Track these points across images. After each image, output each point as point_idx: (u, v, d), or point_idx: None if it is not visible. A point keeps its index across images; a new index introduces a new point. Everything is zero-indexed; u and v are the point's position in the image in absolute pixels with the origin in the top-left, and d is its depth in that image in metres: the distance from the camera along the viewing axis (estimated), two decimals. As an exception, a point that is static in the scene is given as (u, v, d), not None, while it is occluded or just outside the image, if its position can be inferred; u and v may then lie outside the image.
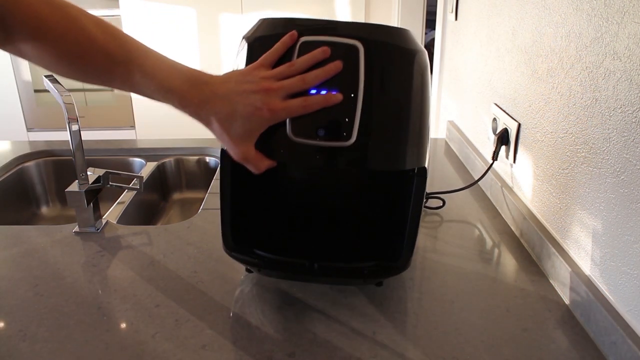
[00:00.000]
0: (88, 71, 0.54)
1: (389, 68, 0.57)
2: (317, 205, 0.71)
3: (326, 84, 0.55)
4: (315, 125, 0.55)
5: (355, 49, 0.55)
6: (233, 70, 0.58)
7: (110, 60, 0.53)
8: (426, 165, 0.60)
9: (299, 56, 0.56)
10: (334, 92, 0.55)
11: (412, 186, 0.60)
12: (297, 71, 0.55)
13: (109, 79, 0.55)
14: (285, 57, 0.57)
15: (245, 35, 0.61)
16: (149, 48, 0.56)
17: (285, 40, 0.57)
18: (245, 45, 0.60)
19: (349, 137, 0.55)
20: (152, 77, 0.55)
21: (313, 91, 0.55)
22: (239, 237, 0.67)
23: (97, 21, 0.53)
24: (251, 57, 0.58)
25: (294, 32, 0.57)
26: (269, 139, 0.57)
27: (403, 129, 0.57)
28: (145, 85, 0.55)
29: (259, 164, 0.58)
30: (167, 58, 0.57)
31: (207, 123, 0.56)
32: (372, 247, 0.68)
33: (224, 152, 0.61)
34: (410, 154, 0.58)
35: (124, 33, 0.55)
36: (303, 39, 0.56)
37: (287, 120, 0.56)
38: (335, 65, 0.55)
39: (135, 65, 0.54)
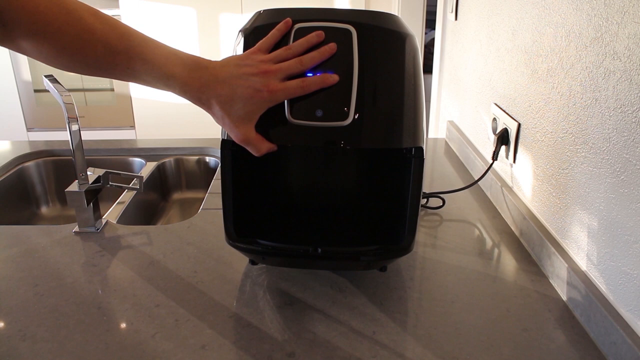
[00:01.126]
0: (89, 63, 0.54)
1: (382, 49, 0.59)
2: (317, 192, 0.71)
3: (322, 67, 0.57)
4: (313, 106, 0.57)
5: (348, 33, 0.58)
6: (231, 55, 0.60)
7: (110, 51, 0.54)
8: (423, 145, 0.61)
9: (294, 41, 0.58)
10: (330, 73, 0.57)
11: (411, 168, 0.61)
12: (293, 54, 0.57)
13: (110, 69, 0.56)
14: (281, 43, 0.59)
15: (243, 27, 0.63)
16: (147, 36, 0.57)
17: (281, 26, 0.59)
18: (242, 36, 0.62)
19: (345, 116, 0.57)
20: (153, 65, 0.55)
21: (310, 74, 0.57)
22: (242, 228, 0.67)
23: (95, 12, 0.54)
24: (249, 46, 0.60)
25: (289, 19, 0.59)
26: (269, 123, 0.58)
27: (398, 107, 0.59)
28: (147, 72, 0.56)
29: (259, 145, 0.59)
30: (165, 45, 0.58)
31: (208, 107, 0.58)
32: (374, 232, 0.69)
33: (224, 143, 0.62)
34: (406, 132, 0.60)
35: (122, 23, 0.56)
36: (298, 25, 0.59)
37: (286, 103, 0.57)
38: (330, 48, 0.57)
39: (135, 54, 0.55)
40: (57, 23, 0.51)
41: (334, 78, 0.57)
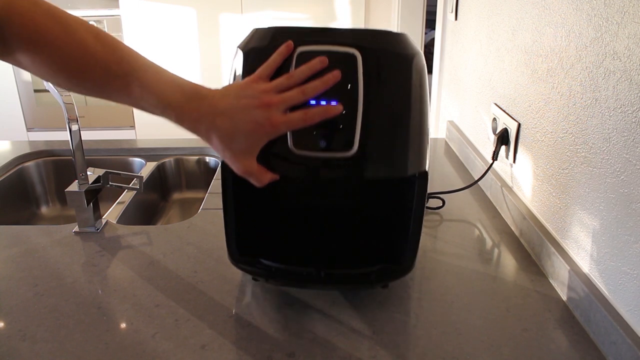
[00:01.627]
0: (86, 84, 0.54)
1: (388, 75, 0.56)
2: (320, 212, 0.70)
3: (326, 95, 0.55)
4: (317, 137, 0.55)
5: (352, 57, 0.55)
6: (231, 84, 0.57)
7: (108, 74, 0.53)
8: (427, 168, 0.60)
9: (296, 66, 0.55)
10: (333, 103, 0.55)
11: (414, 189, 0.61)
12: (295, 82, 0.55)
13: (107, 92, 0.54)
14: (282, 68, 0.56)
15: (240, 45, 0.61)
16: (148, 61, 0.56)
17: (282, 51, 0.56)
18: (240, 56, 0.59)
19: (350, 147, 0.55)
20: (150, 91, 0.54)
21: (312, 102, 0.55)
22: (244, 247, 0.66)
23: (97, 33, 0.53)
24: (247, 69, 0.58)
25: (290, 43, 0.56)
26: (271, 153, 0.57)
27: (404, 135, 0.57)
28: (144, 99, 0.54)
29: (261, 177, 0.57)
30: (166, 72, 0.56)
31: (207, 139, 0.56)
32: (376, 251, 0.68)
33: (225, 164, 0.60)
34: (411, 159, 0.58)
35: (123, 45, 0.55)
36: (300, 49, 0.56)
37: (288, 133, 0.55)
38: (334, 75, 0.54)
39: (134, 79, 0.53)
40: (56, 42, 0.50)
41: (337, 109, 0.54)
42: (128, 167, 1.28)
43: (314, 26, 0.58)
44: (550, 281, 0.74)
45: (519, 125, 0.91)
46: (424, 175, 0.60)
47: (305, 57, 0.55)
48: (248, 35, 0.61)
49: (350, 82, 0.55)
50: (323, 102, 0.55)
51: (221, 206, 0.65)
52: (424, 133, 0.60)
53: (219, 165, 0.63)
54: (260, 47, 0.58)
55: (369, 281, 0.66)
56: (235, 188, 0.63)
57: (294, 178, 0.61)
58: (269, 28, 0.59)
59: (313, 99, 0.55)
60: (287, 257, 0.66)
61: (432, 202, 0.98)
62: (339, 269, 0.65)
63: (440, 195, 0.99)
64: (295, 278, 0.65)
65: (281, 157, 0.57)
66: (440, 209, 0.96)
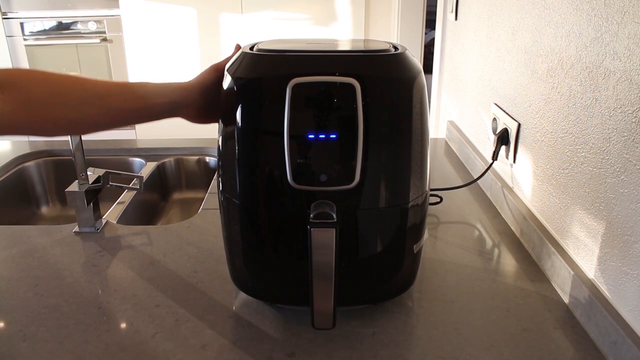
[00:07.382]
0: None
1: (388, 103, 0.55)
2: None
3: (325, 127, 0.53)
4: (317, 171, 0.54)
5: (350, 88, 0.52)
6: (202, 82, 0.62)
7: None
8: (427, 188, 0.60)
9: (291, 98, 0.53)
10: (332, 136, 0.53)
11: (415, 211, 0.60)
12: None
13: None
14: (276, 98, 0.53)
15: (229, 68, 0.59)
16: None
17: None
18: (231, 83, 0.57)
19: (351, 180, 0.54)
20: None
21: (311, 136, 0.53)
22: (247, 274, 0.65)
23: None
24: (239, 99, 0.56)
25: (238, 45, 0.65)
26: (271, 187, 0.56)
27: (406, 163, 0.57)
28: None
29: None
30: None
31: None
32: (378, 274, 0.65)
33: (226, 201, 0.60)
34: (413, 186, 0.58)
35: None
36: (294, 80, 0.52)
37: (288, 168, 0.54)
38: None
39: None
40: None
41: None
42: (128, 167, 1.28)
43: (308, 49, 0.56)
44: (551, 281, 0.74)
45: (519, 125, 0.91)
46: (424, 195, 0.60)
47: (300, 89, 0.53)
48: (238, 59, 0.59)
49: (349, 114, 0.53)
50: (322, 136, 0.53)
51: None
52: (425, 155, 0.59)
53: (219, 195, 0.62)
54: (250, 78, 0.56)
55: (371, 301, 0.66)
56: (239, 221, 0.62)
57: (294, 211, 0.59)
58: (258, 55, 0.57)
59: (312, 133, 0.53)
60: (290, 287, 0.64)
61: (430, 199, 0.98)
62: (342, 292, 0.64)
63: (438, 193, 0.99)
64: (300, 299, 0.62)
65: (281, 191, 0.56)
66: (441, 210, 0.96)
